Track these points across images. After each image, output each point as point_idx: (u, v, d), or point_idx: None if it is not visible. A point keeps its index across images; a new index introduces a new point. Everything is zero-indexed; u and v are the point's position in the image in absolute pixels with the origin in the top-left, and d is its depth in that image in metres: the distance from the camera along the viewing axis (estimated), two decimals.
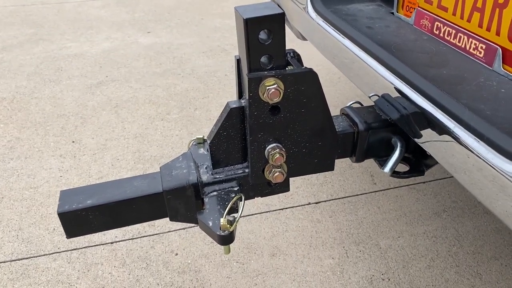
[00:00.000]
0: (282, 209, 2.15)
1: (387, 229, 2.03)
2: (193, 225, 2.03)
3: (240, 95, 1.16)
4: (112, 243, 1.97)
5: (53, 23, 4.72)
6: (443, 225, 2.04)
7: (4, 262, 1.89)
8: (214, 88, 3.33)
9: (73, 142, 2.70)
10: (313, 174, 2.32)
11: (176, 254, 1.91)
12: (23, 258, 1.91)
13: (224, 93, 3.25)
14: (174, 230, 2.03)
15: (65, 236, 1.99)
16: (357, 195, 2.23)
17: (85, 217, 1.09)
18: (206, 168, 1.18)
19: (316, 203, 2.18)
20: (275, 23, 0.94)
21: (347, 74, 1.36)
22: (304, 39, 1.80)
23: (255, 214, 2.12)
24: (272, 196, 2.15)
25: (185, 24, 4.64)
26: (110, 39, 4.27)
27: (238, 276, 1.81)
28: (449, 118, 0.93)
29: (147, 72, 3.59)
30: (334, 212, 2.12)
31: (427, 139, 1.07)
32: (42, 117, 2.97)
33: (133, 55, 3.92)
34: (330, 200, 2.20)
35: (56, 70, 3.64)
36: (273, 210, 2.15)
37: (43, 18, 4.87)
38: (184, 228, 2.04)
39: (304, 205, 2.17)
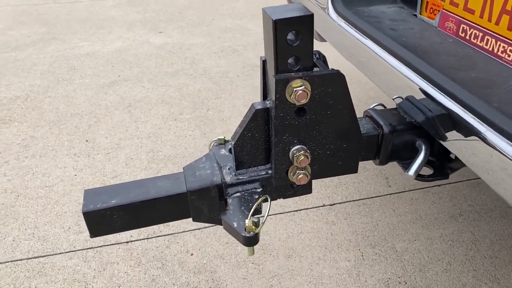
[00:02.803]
0: (296, 210, 2.15)
1: (403, 232, 2.02)
2: (207, 225, 2.04)
3: (265, 96, 1.15)
4: (127, 242, 1.98)
5: (65, 22, 4.74)
6: (460, 229, 2.02)
7: (21, 260, 1.90)
8: (226, 89, 3.33)
9: (86, 141, 2.71)
10: None
11: (192, 254, 1.92)
12: (40, 256, 1.92)
13: (237, 94, 3.24)
14: (189, 230, 2.03)
15: (80, 234, 2.00)
16: (372, 197, 2.22)
17: (109, 216, 1.09)
18: (229, 169, 1.18)
19: (331, 205, 2.18)
20: (304, 24, 0.94)
21: (370, 76, 1.35)
22: (322, 40, 1.79)
23: (270, 215, 2.11)
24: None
25: (196, 24, 4.64)
26: (122, 39, 4.29)
27: (254, 277, 1.81)
28: (481, 122, 0.92)
29: (159, 72, 3.60)
30: (349, 214, 2.11)
31: (454, 141, 1.07)
32: (55, 116, 2.99)
33: (145, 55, 3.93)
34: (344, 202, 2.19)
35: (69, 69, 3.66)
36: (288, 212, 2.14)
37: (55, 17, 4.89)
38: (199, 228, 2.04)
39: (319, 207, 2.16)
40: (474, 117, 0.95)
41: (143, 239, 1.99)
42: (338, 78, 1.00)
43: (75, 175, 2.42)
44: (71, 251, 1.94)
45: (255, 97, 3.16)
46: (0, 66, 3.70)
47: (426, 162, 1.19)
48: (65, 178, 2.39)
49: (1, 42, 4.21)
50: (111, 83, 3.43)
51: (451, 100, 1.01)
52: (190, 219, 1.16)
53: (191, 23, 4.68)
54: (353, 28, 1.38)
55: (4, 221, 2.10)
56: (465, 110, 0.98)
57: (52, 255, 1.92)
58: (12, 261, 1.89)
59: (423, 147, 1.17)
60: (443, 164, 1.24)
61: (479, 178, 2.28)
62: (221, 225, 1.14)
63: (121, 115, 2.98)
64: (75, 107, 3.09)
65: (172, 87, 3.35)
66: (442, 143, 1.12)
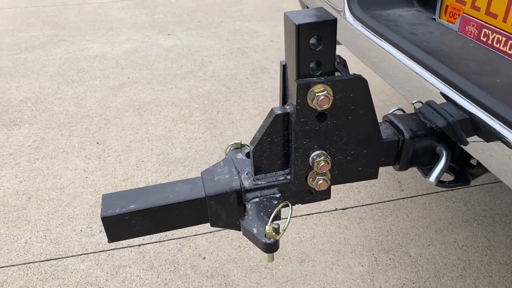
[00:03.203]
0: (309, 214, 2.13)
1: (416, 236, 2.00)
2: (219, 228, 2.03)
3: (284, 101, 1.14)
4: (139, 245, 1.97)
5: (74, 24, 4.75)
6: (474, 234, 2.00)
7: (34, 262, 1.90)
8: (235, 91, 3.32)
9: (97, 143, 2.71)
10: None
11: (204, 258, 1.91)
12: (52, 259, 1.91)
13: (246, 96, 3.24)
14: (201, 234, 2.02)
15: (92, 237, 2.00)
16: (385, 201, 2.20)
17: (128, 221, 1.08)
18: (247, 174, 1.17)
19: (343, 209, 2.16)
20: (328, 29, 0.93)
21: (388, 80, 1.34)
22: (337, 43, 1.78)
23: (282, 219, 2.09)
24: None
25: (204, 26, 4.64)
26: (130, 41, 4.29)
27: (267, 282, 1.80)
28: (505, 127, 0.91)
29: (168, 74, 3.60)
30: (362, 219, 2.10)
31: (476, 147, 1.05)
32: (66, 117, 2.99)
33: (154, 57, 3.93)
34: (357, 206, 2.18)
35: (78, 71, 3.67)
36: (300, 216, 2.13)
37: (64, 19, 4.91)
38: (211, 232, 2.03)
39: (331, 211, 2.15)
40: (499, 122, 0.94)
41: (155, 242, 1.99)
42: (360, 83, 0.99)
43: (86, 177, 2.41)
44: (83, 254, 1.94)
45: (265, 100, 3.16)
46: (10, 68, 3.71)
47: (447, 168, 1.17)
48: (76, 180, 2.39)
49: (11, 43, 4.22)
50: (121, 85, 3.43)
51: (475, 105, 0.99)
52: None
53: (200, 25, 4.68)
54: (371, 32, 1.37)
55: (16, 223, 2.10)
56: (490, 115, 0.97)
57: (65, 257, 1.92)
58: (24, 263, 1.89)
59: (444, 152, 1.16)
60: (464, 170, 1.22)
61: (493, 182, 2.26)
62: (240, 230, 1.13)
63: (131, 117, 2.98)
64: (85, 109, 3.10)
65: (181, 89, 3.35)
66: (464, 148, 1.10)
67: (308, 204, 2.17)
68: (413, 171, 2.30)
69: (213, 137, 2.77)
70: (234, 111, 3.06)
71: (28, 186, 2.34)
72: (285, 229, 1.00)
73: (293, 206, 1.18)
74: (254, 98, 3.21)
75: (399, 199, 2.22)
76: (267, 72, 3.60)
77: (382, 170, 2.44)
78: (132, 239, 1.98)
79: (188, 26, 4.68)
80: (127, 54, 3.99)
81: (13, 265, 1.88)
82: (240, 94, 3.28)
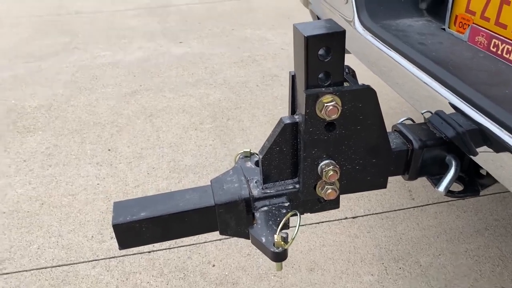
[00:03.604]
0: (318, 223, 2.13)
1: (427, 246, 1.98)
2: (229, 236, 2.03)
3: (293, 110, 1.15)
4: (149, 252, 1.99)
5: (87, 33, 4.83)
6: (486, 244, 1.98)
7: (46, 268, 1.92)
8: (246, 99, 3.34)
9: (109, 150, 2.74)
10: None
11: (213, 266, 1.91)
12: (64, 265, 1.94)
13: (256, 104, 3.25)
14: (211, 241, 2.03)
15: (103, 243, 2.02)
16: (395, 210, 2.19)
17: (138, 229, 1.10)
18: (256, 182, 1.18)
19: (353, 217, 2.16)
20: (336, 41, 0.94)
21: (397, 90, 1.34)
22: (346, 52, 1.79)
23: (291, 227, 2.09)
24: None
25: (216, 35, 4.68)
26: (142, 49, 4.34)
27: None
28: None
29: (180, 82, 3.63)
30: (372, 228, 2.09)
31: (485, 157, 1.05)
32: (78, 124, 3.03)
33: (165, 64, 3.97)
34: (367, 215, 2.17)
35: (91, 79, 3.72)
36: (309, 224, 2.13)
37: (78, 28, 4.99)
38: (220, 239, 2.04)
39: (341, 219, 2.15)
40: (508, 133, 0.93)
41: (165, 249, 2.00)
42: (369, 93, 1.00)
43: (98, 184, 2.44)
44: (94, 260, 1.96)
45: (275, 107, 3.17)
46: (25, 76, 3.78)
47: (457, 178, 1.17)
48: (88, 186, 2.42)
49: (26, 52, 4.30)
50: (133, 92, 3.47)
51: (483, 116, 0.99)
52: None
53: (211, 33, 4.72)
54: (381, 42, 1.37)
55: (29, 229, 2.13)
56: (499, 126, 0.96)
57: (76, 263, 1.94)
58: (37, 269, 1.92)
59: (454, 162, 1.15)
60: (473, 180, 1.22)
61: (505, 192, 2.24)
62: (248, 239, 1.14)
63: (143, 125, 3.01)
64: (97, 116, 3.14)
65: (192, 97, 3.38)
66: (473, 158, 1.10)
67: (318, 213, 2.17)
68: (424, 179, 2.29)
69: (223, 144, 2.78)
70: (244, 118, 3.08)
71: (41, 192, 2.38)
72: (294, 238, 1.00)
73: (301, 215, 1.18)
74: (264, 105, 3.22)
75: (409, 208, 2.21)
76: (277, 79, 3.62)
77: (392, 179, 2.43)
78: (143, 246, 2.00)
79: (199, 34, 4.72)
80: (139, 62, 4.04)
81: (26, 271, 1.91)
82: (250, 102, 3.29)
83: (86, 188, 2.41)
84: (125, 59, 4.12)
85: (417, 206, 2.21)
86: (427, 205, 2.21)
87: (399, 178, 2.38)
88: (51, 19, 5.27)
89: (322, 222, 2.13)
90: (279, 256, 1.02)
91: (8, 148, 2.77)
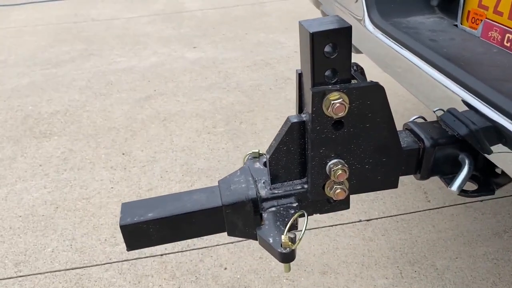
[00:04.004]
0: (331, 225, 2.10)
1: (443, 249, 1.94)
2: (241, 239, 2.02)
3: (301, 109, 1.14)
4: (161, 255, 1.99)
5: (103, 39, 4.90)
6: (505, 247, 1.93)
7: (59, 271, 1.94)
8: (259, 102, 3.33)
9: (123, 154, 2.76)
10: None
11: (225, 269, 1.90)
12: (77, 268, 1.95)
13: (269, 107, 3.24)
14: (223, 244, 2.02)
15: (116, 247, 2.03)
16: (411, 212, 2.15)
17: (146, 230, 1.09)
18: (264, 183, 1.16)
19: (368, 220, 2.12)
20: (342, 37, 0.92)
21: (409, 88, 1.32)
22: (357, 52, 1.77)
23: (299, 230, 2.07)
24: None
25: (229, 39, 4.70)
26: (157, 54, 4.38)
27: None
28: None
29: (193, 86, 3.65)
30: (387, 230, 2.05)
31: (500, 155, 1.02)
32: (93, 129, 3.07)
33: (179, 69, 4.00)
34: (382, 217, 2.13)
35: (106, 84, 3.77)
36: (323, 227, 2.10)
37: (94, 35, 5.06)
38: (232, 242, 2.02)
39: (355, 222, 2.11)
40: None
41: (177, 252, 2.00)
42: (377, 90, 0.98)
43: (112, 187, 2.46)
44: (107, 263, 1.97)
45: (288, 110, 3.15)
46: (41, 82, 3.85)
47: (470, 177, 1.14)
48: (102, 190, 2.44)
49: (43, 59, 4.38)
50: (147, 97, 3.50)
51: (497, 112, 0.96)
52: (225, 233, 1.15)
53: (225, 38, 4.74)
54: (391, 40, 1.35)
55: (44, 232, 2.15)
56: None
57: (89, 266, 1.95)
58: (51, 271, 1.93)
59: (467, 161, 1.12)
60: (488, 179, 1.18)
61: None
62: (256, 240, 1.13)
63: (157, 129, 3.03)
64: (112, 121, 3.17)
65: (206, 101, 3.39)
66: (487, 157, 1.07)
67: (331, 215, 2.14)
68: (441, 182, 2.24)
69: (236, 147, 2.78)
70: (257, 121, 3.07)
71: (56, 196, 2.40)
72: (301, 238, 0.99)
73: (310, 216, 1.16)
74: (277, 108, 3.21)
75: (425, 210, 2.16)
76: (291, 82, 3.60)
77: (407, 180, 2.40)
78: (155, 249, 2.00)
79: (213, 39, 4.74)
80: (154, 67, 4.07)
81: (40, 273, 1.92)
82: (263, 105, 3.29)
83: (100, 192, 2.43)
84: (140, 64, 4.16)
85: (433, 208, 2.16)
86: (444, 207, 2.16)
87: (415, 180, 2.34)
88: (68, 27, 5.37)
89: (336, 225, 2.10)
90: (287, 257, 1.00)
91: (24, 153, 2.82)
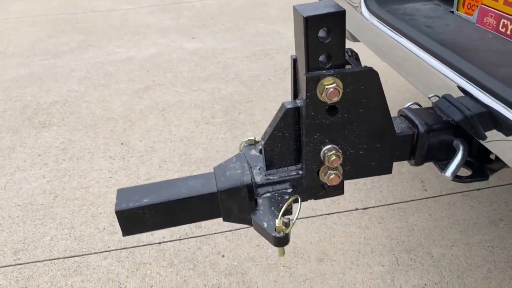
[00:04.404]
0: (328, 214, 2.11)
1: (439, 237, 1.95)
2: (238, 227, 2.04)
3: (296, 95, 1.14)
4: (160, 243, 2.00)
5: (102, 30, 4.88)
6: (500, 235, 1.94)
7: (58, 259, 1.95)
8: (257, 92, 3.33)
9: (121, 144, 2.77)
10: (360, 179, 2.27)
11: (223, 256, 1.92)
12: (76, 256, 1.96)
13: (268, 97, 3.24)
14: (220, 232, 2.03)
15: (115, 235, 2.04)
16: (407, 201, 2.16)
17: (141, 215, 1.10)
18: (259, 169, 1.17)
19: (364, 208, 2.13)
20: (336, 21, 0.92)
21: (405, 76, 1.32)
22: (354, 40, 1.76)
23: (301, 218, 2.09)
24: (318, 201, 2.13)
25: (228, 30, 4.68)
26: (156, 45, 4.37)
27: (285, 280, 1.79)
28: None
29: (192, 77, 3.64)
30: (383, 219, 2.06)
31: (494, 141, 1.02)
32: (92, 120, 3.07)
33: (178, 60, 3.99)
34: (378, 206, 2.14)
35: (105, 75, 3.76)
36: (319, 215, 2.11)
37: (92, 26, 5.05)
38: (230, 230, 2.04)
39: (352, 210, 2.12)
40: None
41: (175, 240, 2.01)
42: (371, 75, 0.98)
43: (110, 177, 2.47)
44: (105, 251, 1.98)
45: (287, 100, 3.15)
46: (40, 73, 3.84)
47: (464, 163, 1.14)
48: (101, 180, 2.45)
49: (42, 49, 4.37)
50: (146, 88, 3.50)
51: (492, 97, 0.97)
52: (221, 220, 1.16)
53: (224, 29, 4.73)
54: (387, 27, 1.35)
55: (43, 221, 2.16)
56: (509, 108, 0.93)
57: (88, 254, 1.97)
58: (49, 259, 1.95)
59: (461, 147, 1.13)
60: (482, 165, 1.19)
61: None
62: (251, 225, 1.13)
63: (155, 119, 3.03)
64: (110, 111, 3.17)
65: (204, 91, 3.39)
66: (482, 142, 1.07)
67: (328, 204, 2.15)
68: (438, 170, 2.25)
69: (234, 138, 2.78)
70: (256, 112, 3.07)
71: (54, 186, 2.41)
72: (294, 222, 0.99)
73: (305, 202, 1.17)
74: (276, 99, 3.21)
75: (422, 198, 2.17)
76: (289, 73, 3.59)
77: (405, 169, 2.40)
78: (153, 237, 2.02)
79: (212, 29, 4.73)
80: (152, 58, 4.06)
81: (39, 261, 1.94)
82: (262, 95, 3.28)
83: (98, 181, 2.44)
84: (138, 55, 4.15)
85: (430, 197, 2.17)
86: (440, 196, 2.17)
87: (412, 169, 2.35)
88: (67, 18, 5.35)
89: (332, 213, 2.11)
90: (280, 241, 1.01)
91: (24, 143, 2.82)
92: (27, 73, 3.86)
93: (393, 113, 1.29)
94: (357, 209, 2.13)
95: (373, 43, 1.50)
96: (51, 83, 3.64)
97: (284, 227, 1.00)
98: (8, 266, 1.92)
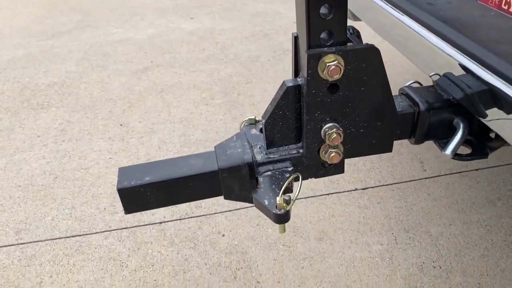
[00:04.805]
0: (327, 194, 2.13)
1: (438, 216, 1.97)
2: (238, 207, 2.05)
3: (296, 73, 1.14)
4: (160, 223, 2.01)
5: (99, 11, 4.82)
6: (498, 214, 1.96)
7: (60, 238, 1.97)
8: (257, 73, 3.32)
9: (121, 125, 2.77)
10: (360, 160, 2.28)
11: (223, 235, 1.93)
12: (77, 235, 1.98)
13: (267, 78, 3.23)
14: (220, 212, 2.05)
15: (115, 215, 2.06)
16: (406, 181, 2.17)
17: (143, 193, 1.11)
18: (259, 148, 1.17)
19: (363, 189, 2.14)
20: None
21: (406, 54, 1.31)
22: (355, 19, 1.75)
23: (300, 198, 2.10)
24: (317, 181, 2.14)
25: (227, 10, 4.63)
26: (154, 25, 4.33)
27: (285, 259, 1.81)
28: None
29: (190, 58, 3.62)
30: (382, 199, 2.08)
31: (495, 119, 1.02)
32: (90, 101, 3.06)
33: (176, 41, 3.96)
34: (377, 186, 2.15)
35: (103, 56, 3.73)
36: (319, 195, 2.12)
37: (90, 6, 4.99)
38: (230, 210, 2.05)
39: (351, 190, 2.14)
40: None
41: (175, 220, 2.03)
42: (372, 52, 0.97)
43: (110, 158, 2.47)
44: (106, 231, 2.00)
45: None
46: (38, 54, 3.81)
47: (464, 141, 1.15)
48: (100, 161, 2.45)
49: (39, 30, 4.33)
50: (144, 69, 3.48)
51: (493, 74, 0.96)
52: (221, 200, 1.17)
53: (222, 9, 4.67)
54: (389, 5, 1.34)
55: (44, 202, 2.17)
56: (509, 85, 0.93)
57: (89, 234, 1.98)
58: (51, 239, 1.96)
59: (461, 125, 1.13)
60: (482, 143, 1.19)
61: None
62: (252, 203, 1.14)
63: (154, 100, 3.02)
64: (109, 92, 3.16)
65: (203, 72, 3.37)
66: (482, 120, 1.07)
67: (327, 184, 2.16)
68: (437, 150, 2.25)
69: (234, 119, 2.78)
70: (255, 93, 3.06)
71: (54, 167, 2.42)
72: (295, 199, 1.00)
73: (305, 181, 1.18)
74: (275, 80, 3.20)
75: (421, 179, 2.18)
76: (289, 54, 3.57)
77: (404, 150, 2.41)
78: (154, 217, 2.03)
79: (210, 9, 4.67)
80: (150, 39, 4.03)
81: (41, 241, 1.96)
82: (261, 76, 3.27)
83: (98, 162, 2.44)
84: (136, 36, 4.11)
85: (429, 177, 2.18)
86: (439, 176, 2.19)
87: (411, 150, 2.36)
88: None
89: (332, 193, 2.12)
90: (281, 218, 1.02)
91: (22, 125, 2.82)
92: (24, 54, 3.82)
93: (394, 92, 1.29)
94: (356, 189, 2.14)
95: (375, 22, 1.49)
96: (49, 64, 3.61)
97: (285, 205, 1.01)
98: (11, 245, 1.94)
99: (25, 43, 4.05)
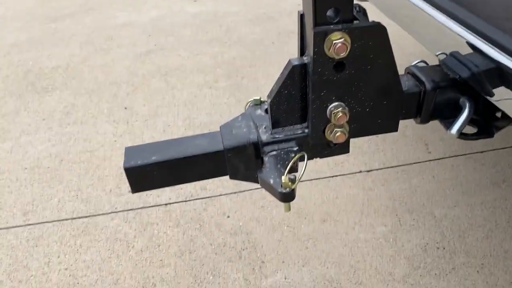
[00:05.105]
0: (332, 176, 2.13)
1: (442, 198, 1.97)
2: (243, 189, 2.06)
3: (302, 52, 1.13)
4: (166, 204, 2.03)
5: None
6: (502, 195, 1.96)
7: (66, 219, 1.99)
8: (261, 56, 3.30)
9: (125, 108, 2.77)
10: (364, 142, 2.28)
11: (228, 217, 1.95)
12: (83, 217, 2.00)
13: (271, 62, 3.21)
14: (225, 194, 2.06)
15: (121, 197, 2.07)
16: (411, 164, 2.17)
17: (149, 172, 1.11)
18: (265, 128, 1.17)
19: (368, 171, 2.15)
20: None
21: (412, 33, 1.30)
22: (363, 0, 1.73)
23: (305, 180, 2.11)
24: (321, 163, 2.14)
25: None
26: (157, 8, 4.30)
27: (289, 240, 1.83)
28: None
29: (194, 41, 3.60)
30: (387, 181, 2.08)
31: (502, 97, 1.02)
32: (95, 84, 3.06)
33: (180, 23, 3.93)
34: (382, 168, 2.16)
35: (106, 39, 3.72)
36: (323, 178, 2.13)
37: None
38: (235, 192, 2.06)
39: (355, 173, 2.14)
40: None
41: (181, 201, 2.04)
42: (379, 30, 0.97)
43: (115, 140, 2.48)
44: (112, 212, 2.02)
45: None
46: (41, 37, 3.80)
47: (470, 121, 1.14)
48: (106, 143, 2.46)
49: (41, 14, 4.31)
50: (148, 52, 3.46)
51: (501, 52, 0.95)
52: (226, 182, 1.17)
53: None
54: None
55: (50, 184, 2.19)
56: None
57: (95, 215, 2.01)
58: (58, 220, 1.99)
59: (467, 104, 1.12)
60: (488, 123, 1.19)
61: None
62: (257, 182, 1.15)
63: (158, 83, 3.02)
64: (113, 75, 3.15)
65: (207, 55, 3.35)
66: (489, 99, 1.07)
67: (331, 167, 2.17)
68: (442, 132, 2.25)
69: (238, 102, 2.77)
70: (259, 76, 3.05)
71: (60, 149, 2.43)
72: (300, 178, 1.01)
73: (310, 160, 1.18)
74: (279, 63, 3.18)
75: (425, 161, 2.18)
76: (294, 36, 3.55)
77: (409, 132, 2.41)
78: (159, 199, 2.05)
79: None
80: (154, 22, 4.00)
81: (48, 222, 1.98)
82: (265, 59, 3.25)
83: (103, 145, 2.45)
84: (140, 19, 4.09)
85: (434, 160, 2.18)
86: (444, 158, 2.18)
87: (416, 132, 2.35)
88: None
89: (336, 175, 2.13)
90: (287, 196, 1.02)
91: (27, 108, 2.83)
92: (28, 37, 3.81)
93: (400, 72, 1.28)
94: (360, 171, 2.15)
95: (381, 0, 1.47)
96: (52, 48, 3.60)
97: (290, 183, 1.02)
98: (19, 226, 1.97)
99: (28, 26, 4.03)
